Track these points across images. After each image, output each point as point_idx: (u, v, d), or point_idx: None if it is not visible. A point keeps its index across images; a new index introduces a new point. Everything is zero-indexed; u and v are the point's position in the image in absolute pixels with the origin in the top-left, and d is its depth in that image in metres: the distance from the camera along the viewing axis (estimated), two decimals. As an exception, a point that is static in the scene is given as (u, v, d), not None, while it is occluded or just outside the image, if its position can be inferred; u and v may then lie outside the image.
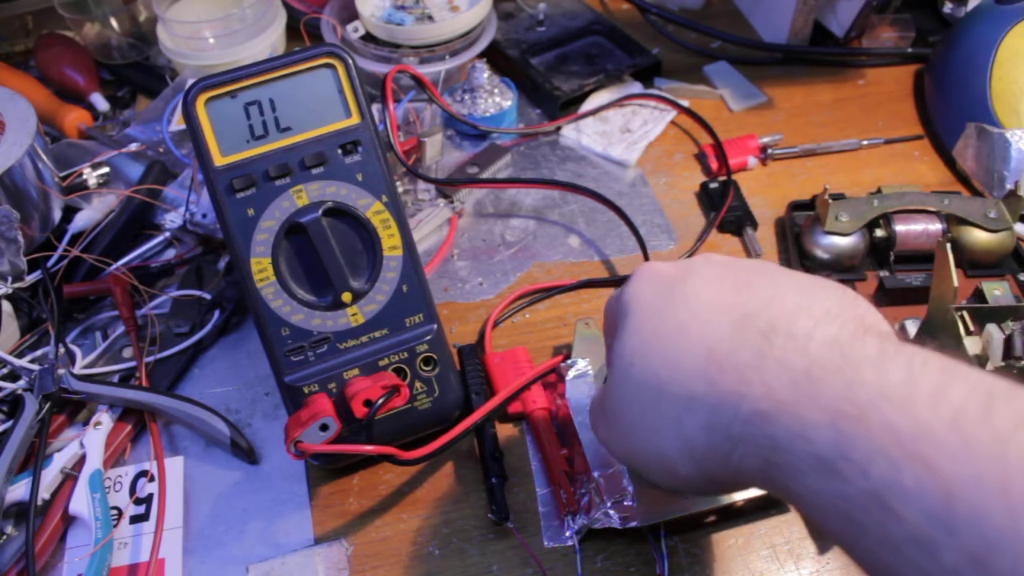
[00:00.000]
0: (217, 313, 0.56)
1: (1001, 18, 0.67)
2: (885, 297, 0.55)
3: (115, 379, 0.53)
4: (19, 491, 0.46)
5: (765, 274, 0.34)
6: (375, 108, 0.60)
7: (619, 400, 0.34)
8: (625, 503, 0.44)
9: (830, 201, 0.56)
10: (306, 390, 0.45)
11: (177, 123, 0.68)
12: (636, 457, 0.35)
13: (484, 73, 0.69)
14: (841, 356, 0.28)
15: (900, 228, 0.56)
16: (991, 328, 0.44)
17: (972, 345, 0.44)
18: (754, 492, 0.44)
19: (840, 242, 0.56)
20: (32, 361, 0.52)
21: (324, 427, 0.42)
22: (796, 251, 0.59)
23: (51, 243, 0.58)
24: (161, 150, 0.66)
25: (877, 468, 0.25)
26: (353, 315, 0.46)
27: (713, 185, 0.65)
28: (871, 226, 0.57)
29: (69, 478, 0.47)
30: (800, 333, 0.29)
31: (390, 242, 0.47)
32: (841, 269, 0.57)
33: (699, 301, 0.33)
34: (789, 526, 0.46)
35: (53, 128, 0.69)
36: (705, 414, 0.30)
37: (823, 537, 0.45)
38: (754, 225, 0.62)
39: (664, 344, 0.32)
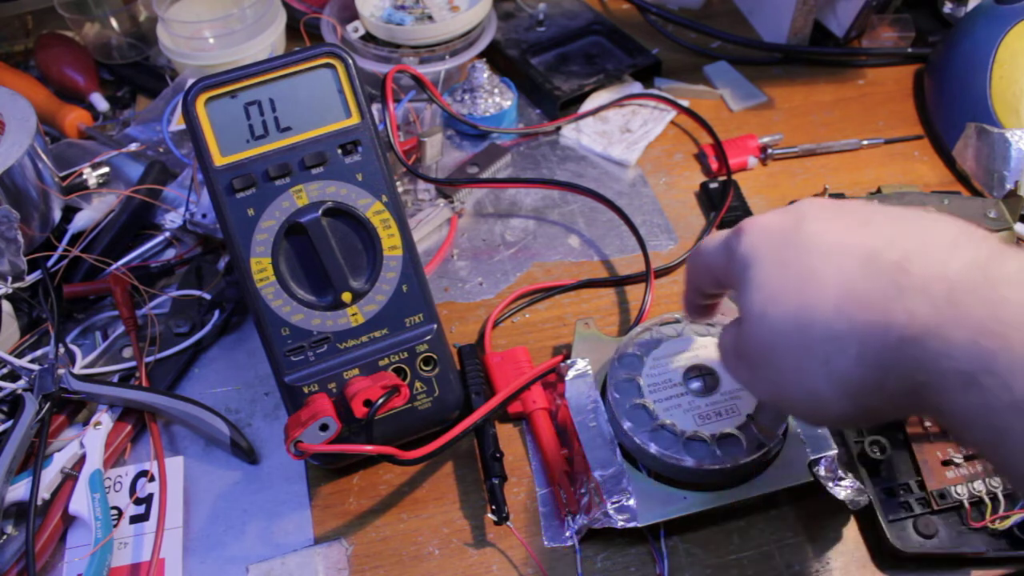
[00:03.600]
0: (217, 313, 0.56)
1: (1001, 18, 0.67)
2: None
3: (115, 379, 0.53)
4: (19, 491, 0.46)
5: (878, 212, 0.34)
6: (375, 108, 0.60)
7: (759, 346, 0.35)
8: (625, 503, 0.44)
9: (830, 201, 0.56)
10: (306, 390, 0.45)
11: (177, 123, 0.68)
12: (784, 398, 0.35)
13: (484, 73, 0.69)
14: (983, 276, 0.29)
15: (900, 228, 0.56)
16: (991, 328, 0.44)
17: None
18: (754, 492, 0.44)
19: (840, 242, 0.56)
20: (32, 361, 0.52)
21: (324, 427, 0.42)
22: (796, 251, 0.59)
23: (51, 243, 0.58)
24: (161, 150, 0.66)
25: (1020, 382, 0.27)
26: (353, 315, 0.46)
27: (713, 185, 0.65)
28: (871, 226, 0.57)
29: (69, 478, 0.48)
30: (935, 260, 0.30)
31: (390, 242, 0.47)
32: (841, 269, 0.57)
33: (821, 244, 0.33)
34: (789, 526, 0.46)
35: (53, 128, 0.69)
36: (854, 350, 0.31)
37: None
38: (754, 225, 0.62)
39: (796, 290, 0.33)
